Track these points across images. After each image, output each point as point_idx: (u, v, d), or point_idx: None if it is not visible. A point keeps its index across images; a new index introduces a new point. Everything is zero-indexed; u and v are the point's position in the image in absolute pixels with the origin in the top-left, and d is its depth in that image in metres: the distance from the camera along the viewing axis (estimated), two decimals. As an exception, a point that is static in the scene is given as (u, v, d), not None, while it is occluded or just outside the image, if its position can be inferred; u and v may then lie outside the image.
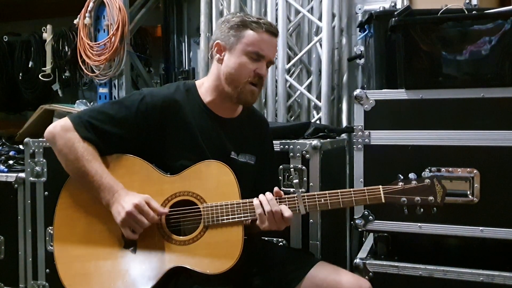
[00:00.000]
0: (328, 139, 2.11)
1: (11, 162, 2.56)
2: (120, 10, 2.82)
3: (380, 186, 1.48)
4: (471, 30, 1.71)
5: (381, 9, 1.99)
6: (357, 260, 1.82)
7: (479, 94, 1.70)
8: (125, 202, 1.46)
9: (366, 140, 1.81)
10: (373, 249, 1.96)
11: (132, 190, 1.51)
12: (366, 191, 1.48)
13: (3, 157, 2.63)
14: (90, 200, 1.54)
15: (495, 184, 1.69)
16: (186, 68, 3.59)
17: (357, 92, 1.81)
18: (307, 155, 1.89)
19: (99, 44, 2.88)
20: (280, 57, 2.67)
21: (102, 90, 3.00)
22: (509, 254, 1.75)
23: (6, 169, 2.48)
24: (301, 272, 1.60)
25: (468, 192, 1.71)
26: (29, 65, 3.61)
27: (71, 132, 1.52)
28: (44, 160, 2.26)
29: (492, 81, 1.70)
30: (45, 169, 2.27)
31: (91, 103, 2.89)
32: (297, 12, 2.95)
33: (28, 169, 2.29)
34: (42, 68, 3.43)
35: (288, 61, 2.82)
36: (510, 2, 2.16)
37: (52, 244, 2.08)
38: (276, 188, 1.52)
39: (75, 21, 2.97)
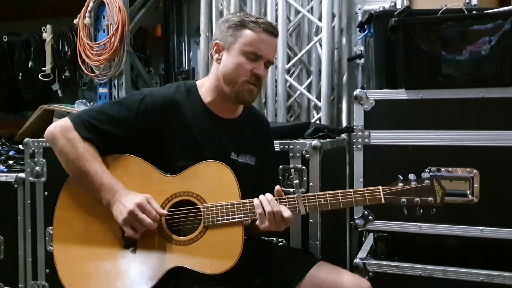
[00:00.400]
0: (328, 139, 2.11)
1: (11, 162, 2.56)
2: (120, 10, 2.82)
3: (380, 187, 1.48)
4: (471, 30, 1.71)
5: (381, 9, 1.99)
6: (357, 260, 1.82)
7: (479, 94, 1.70)
8: (126, 201, 1.46)
9: (366, 140, 1.81)
10: (373, 249, 1.96)
11: (132, 190, 1.51)
12: (366, 191, 1.48)
13: (3, 157, 2.63)
14: (90, 200, 1.54)
15: (495, 184, 1.69)
16: (186, 68, 3.60)
17: (357, 92, 1.81)
18: (307, 155, 1.89)
19: (99, 44, 2.88)
20: (280, 57, 2.67)
21: (102, 90, 3.01)
22: (509, 254, 1.75)
23: (6, 169, 2.47)
24: (301, 272, 1.60)
25: (468, 192, 1.71)
26: (29, 65, 3.61)
27: (71, 132, 1.52)
28: (44, 160, 2.26)
29: (492, 81, 1.70)
30: (45, 169, 2.27)
31: (91, 103, 2.89)
32: (297, 12, 2.95)
33: (28, 169, 2.29)
34: (42, 68, 3.43)
35: (288, 61, 2.83)
36: (510, 2, 2.16)
37: (51, 244, 2.08)
38: (277, 187, 1.52)
39: (75, 21, 2.98)
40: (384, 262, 1.79)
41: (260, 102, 2.83)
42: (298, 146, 1.90)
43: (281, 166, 1.91)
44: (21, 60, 3.70)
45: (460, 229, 1.73)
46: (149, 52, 3.66)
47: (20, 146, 2.67)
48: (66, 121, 1.54)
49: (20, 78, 3.69)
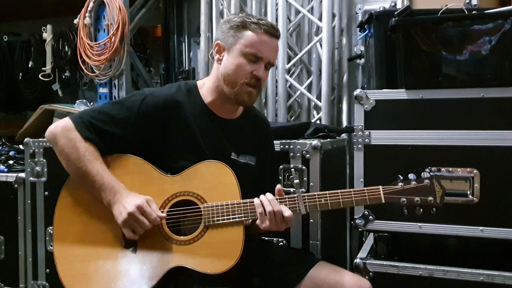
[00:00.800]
0: (328, 139, 2.11)
1: (11, 162, 2.56)
2: (120, 10, 2.82)
3: (380, 187, 1.48)
4: (471, 30, 1.71)
5: (381, 9, 1.99)
6: (357, 260, 1.82)
7: (479, 94, 1.70)
8: (127, 202, 1.46)
9: (366, 140, 1.81)
10: (373, 249, 1.96)
11: (133, 190, 1.51)
12: (366, 191, 1.48)
13: (3, 157, 2.63)
14: (90, 200, 1.54)
15: (495, 184, 1.69)
16: (186, 68, 3.60)
17: (357, 92, 1.81)
18: (307, 155, 1.89)
19: (99, 44, 2.88)
20: (280, 57, 2.67)
21: (102, 90, 3.01)
22: (509, 254, 1.75)
23: (6, 169, 2.47)
24: (301, 272, 1.60)
25: (468, 192, 1.71)
26: (29, 65, 3.62)
27: (72, 132, 1.52)
28: (44, 160, 2.26)
29: (492, 81, 1.70)
30: (45, 169, 2.27)
31: (91, 103, 2.89)
32: (297, 12, 2.95)
33: (28, 169, 2.29)
34: (42, 68, 3.43)
35: (288, 61, 2.83)
36: (510, 2, 2.16)
37: (52, 244, 2.07)
38: (278, 186, 1.52)
39: (75, 21, 2.98)
40: (385, 262, 1.79)
41: (260, 102, 2.83)
42: (298, 146, 1.90)
43: (281, 166, 1.91)
44: (22, 60, 3.70)
45: (460, 229, 1.73)
46: (149, 52, 3.66)
47: (21, 146, 2.67)
48: (67, 121, 1.54)
49: (20, 78, 3.69)
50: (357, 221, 1.82)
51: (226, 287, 1.48)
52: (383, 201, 1.47)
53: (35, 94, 3.69)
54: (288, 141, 1.94)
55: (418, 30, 1.74)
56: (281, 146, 1.92)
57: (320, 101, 2.70)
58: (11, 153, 2.69)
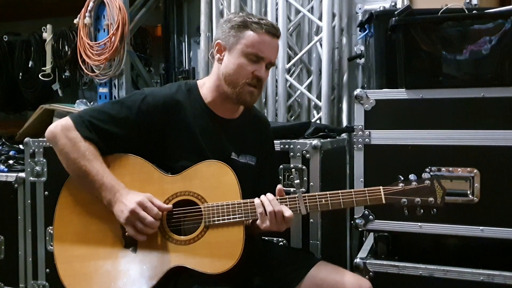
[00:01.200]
0: (329, 139, 2.11)
1: (11, 162, 2.56)
2: (120, 10, 2.82)
3: (381, 187, 1.48)
4: (471, 29, 1.71)
5: (381, 8, 1.98)
6: (357, 260, 1.82)
7: (479, 94, 1.70)
8: (127, 200, 1.46)
9: (366, 139, 1.81)
10: (373, 249, 1.96)
11: (133, 189, 1.51)
12: (366, 191, 1.48)
13: (3, 157, 2.63)
14: (91, 200, 1.54)
15: (495, 184, 1.69)
16: (186, 68, 3.59)
17: (358, 91, 1.81)
18: (308, 155, 1.89)
19: (99, 43, 2.88)
20: (281, 56, 2.67)
21: (102, 90, 3.00)
22: (510, 254, 1.75)
23: (6, 169, 2.47)
24: (301, 272, 1.60)
25: (468, 192, 1.71)
26: (29, 65, 3.61)
27: (72, 131, 1.52)
28: (44, 160, 2.26)
29: (492, 81, 1.70)
30: (45, 169, 2.27)
31: (91, 103, 2.89)
32: (297, 11, 2.95)
33: (28, 169, 2.29)
34: (42, 68, 3.43)
35: (288, 61, 2.82)
36: (510, 1, 2.15)
37: (52, 244, 2.08)
38: (279, 186, 1.52)
39: (75, 21, 2.97)
40: (385, 262, 1.79)
41: (261, 102, 2.83)
42: (298, 146, 1.90)
43: (281, 166, 1.91)
44: (21, 60, 3.70)
45: (461, 229, 1.73)
46: (149, 51, 3.65)
47: (20, 146, 2.67)
48: (67, 121, 1.54)
49: (20, 78, 3.68)
50: (357, 221, 1.82)
51: (226, 287, 1.48)
52: (384, 201, 1.47)
53: (35, 94, 3.68)
54: (288, 141, 1.94)
55: (418, 29, 1.74)
56: (281, 146, 1.92)
57: (320, 101, 2.70)
58: (11, 153, 2.69)
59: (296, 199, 1.49)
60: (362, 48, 2.69)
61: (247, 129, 1.71)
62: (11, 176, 2.38)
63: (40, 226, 2.28)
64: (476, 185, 1.70)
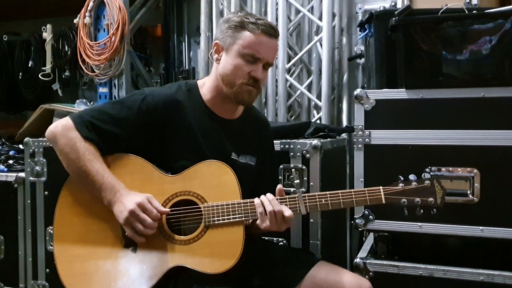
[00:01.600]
0: (329, 139, 2.11)
1: (11, 161, 2.55)
2: (120, 10, 2.82)
3: (381, 187, 1.48)
4: (471, 29, 1.71)
5: (381, 8, 1.98)
6: (357, 260, 1.82)
7: (479, 94, 1.70)
8: (127, 201, 1.46)
9: (366, 139, 1.81)
10: (373, 249, 1.96)
11: (133, 189, 1.51)
12: (366, 191, 1.48)
13: (3, 157, 2.63)
14: (91, 200, 1.54)
15: (495, 183, 1.69)
16: (186, 67, 3.59)
17: (358, 91, 1.81)
18: (308, 155, 1.89)
19: (99, 43, 2.88)
20: (280, 56, 2.67)
21: (102, 90, 3.00)
22: (510, 254, 1.75)
23: (6, 169, 2.47)
24: (301, 272, 1.60)
25: (468, 192, 1.71)
26: (29, 65, 3.61)
27: (72, 131, 1.52)
28: (44, 160, 2.26)
29: (492, 81, 1.70)
30: (45, 169, 2.26)
31: (91, 103, 2.89)
32: (298, 11, 2.95)
33: (28, 169, 2.29)
34: (42, 68, 3.43)
35: (289, 61, 2.82)
36: (510, 1, 2.15)
37: (52, 243, 2.08)
38: (279, 186, 1.52)
39: (75, 21, 2.97)
40: (385, 262, 1.79)
41: (260, 101, 2.83)
42: (298, 146, 1.90)
43: (281, 166, 1.91)
44: (21, 60, 3.70)
45: (461, 229, 1.73)
46: (149, 51, 3.65)
47: (20, 146, 2.67)
48: (67, 121, 1.54)
49: (20, 77, 3.68)
50: (357, 221, 1.82)
51: (226, 287, 1.48)
52: (384, 201, 1.47)
53: (35, 93, 3.68)
54: (288, 140, 1.94)
55: (418, 29, 1.74)
56: (281, 146, 1.92)
57: (320, 101, 2.70)
58: (11, 153, 2.69)
59: (296, 199, 1.49)
60: (362, 48, 2.69)
61: (247, 129, 1.71)
62: (11, 176, 2.38)
63: (40, 226, 2.28)
64: (476, 185, 1.70)
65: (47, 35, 3.36)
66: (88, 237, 1.54)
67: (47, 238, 2.26)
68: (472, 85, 1.71)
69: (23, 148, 2.39)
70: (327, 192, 1.50)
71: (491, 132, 1.69)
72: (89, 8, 2.90)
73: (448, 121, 1.73)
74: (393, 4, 2.29)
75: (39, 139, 2.28)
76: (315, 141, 1.89)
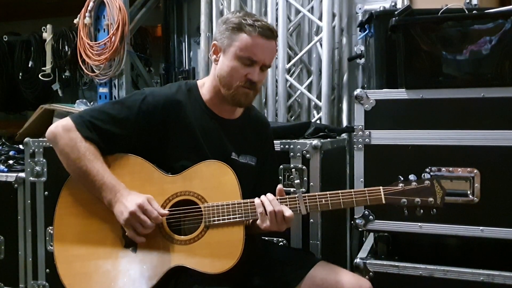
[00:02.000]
0: (329, 139, 2.11)
1: (11, 162, 2.55)
2: (120, 10, 2.82)
3: (381, 187, 1.48)
4: (471, 29, 1.71)
5: (381, 8, 1.98)
6: (357, 260, 1.82)
7: (479, 94, 1.70)
8: (128, 201, 1.46)
9: (366, 140, 1.81)
10: (373, 249, 1.96)
11: (133, 189, 1.51)
12: (366, 191, 1.48)
13: (3, 157, 2.63)
14: (91, 200, 1.54)
15: (495, 184, 1.69)
16: (186, 68, 3.60)
17: (358, 91, 1.81)
18: (308, 155, 1.89)
19: (99, 43, 2.88)
20: (280, 57, 2.67)
21: (102, 90, 3.00)
22: (510, 254, 1.75)
23: (6, 169, 2.47)
24: (301, 272, 1.60)
25: (469, 192, 1.71)
26: (29, 65, 3.62)
27: (72, 132, 1.52)
28: (44, 160, 2.26)
29: (493, 81, 1.70)
30: (45, 169, 2.27)
31: (91, 103, 2.89)
32: (297, 11, 2.95)
33: (28, 169, 2.29)
34: (42, 68, 3.43)
35: (288, 61, 2.82)
36: (510, 1, 2.16)
37: (52, 244, 2.07)
38: (279, 186, 1.52)
39: (75, 21, 2.97)
40: (385, 262, 1.79)
41: (260, 102, 2.83)
42: (298, 146, 1.90)
43: (281, 166, 1.91)
44: (21, 60, 3.70)
45: (461, 229, 1.73)
46: (149, 52, 3.66)
47: (20, 146, 2.67)
48: (67, 121, 1.54)
49: (20, 78, 3.69)
50: (357, 221, 1.82)
51: (226, 287, 1.48)
52: (384, 201, 1.47)
53: (35, 94, 3.69)
54: (288, 141, 1.94)
55: (418, 29, 1.74)
56: (281, 146, 1.92)
57: (320, 101, 2.70)
58: (11, 153, 2.69)
59: (296, 199, 1.49)
60: (362, 48, 2.69)
61: (247, 129, 1.71)
62: (11, 176, 2.38)
63: (40, 226, 2.28)
64: (476, 185, 1.70)
65: (47, 35, 3.36)
66: (88, 237, 1.54)
67: (47, 238, 2.26)
68: (472, 85, 1.71)
69: (23, 148, 2.39)
70: (327, 192, 1.50)
71: (491, 132, 1.69)
72: (89, 8, 2.90)
73: (448, 121, 1.73)
74: (393, 4, 2.29)
75: (39, 139, 2.28)
76: (315, 141, 1.89)
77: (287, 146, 1.92)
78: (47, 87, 3.55)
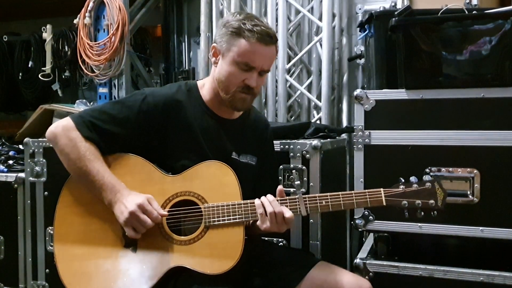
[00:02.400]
0: (329, 139, 2.11)
1: (11, 162, 2.55)
2: (120, 10, 2.82)
3: (381, 189, 1.47)
4: (471, 30, 1.71)
5: (381, 9, 1.98)
6: (357, 260, 1.82)
7: (479, 94, 1.70)
8: (128, 201, 1.46)
9: (366, 140, 1.81)
10: (373, 249, 1.96)
11: (134, 189, 1.51)
12: (367, 193, 1.48)
13: (3, 157, 2.63)
14: (91, 199, 1.54)
15: (495, 184, 1.69)
16: (186, 68, 3.59)
17: (358, 92, 1.81)
18: (308, 155, 1.89)
19: (99, 44, 2.88)
20: (280, 57, 2.67)
21: (102, 90, 3.01)
22: (509, 254, 1.75)
23: (6, 169, 2.47)
24: (301, 272, 1.60)
25: (468, 192, 1.71)
26: (29, 65, 3.62)
27: (73, 131, 1.52)
28: (44, 160, 2.26)
29: (492, 81, 1.70)
30: (45, 169, 2.26)
31: (91, 103, 2.89)
32: (297, 12, 2.95)
33: (28, 169, 2.29)
34: (42, 68, 3.43)
35: (288, 61, 2.83)
36: (510, 2, 2.16)
37: (52, 244, 2.08)
38: (279, 187, 1.52)
39: (75, 21, 2.98)
40: (385, 262, 1.79)
41: (260, 102, 2.83)
42: (298, 146, 1.90)
43: (281, 166, 1.91)
44: (21, 60, 3.70)
45: (461, 229, 1.73)
46: (149, 52, 3.66)
47: (20, 146, 2.66)
48: (67, 121, 1.54)
49: (20, 78, 3.69)
50: (357, 221, 1.82)
51: (226, 287, 1.48)
52: (384, 203, 1.46)
53: (35, 94, 3.69)
54: (288, 141, 1.94)
55: (418, 30, 1.74)
56: (281, 146, 1.92)
57: (320, 101, 2.70)
58: (11, 153, 2.69)
59: (297, 200, 1.49)
60: (362, 48, 2.69)
61: (247, 130, 1.71)
62: (11, 176, 2.38)
63: (40, 226, 2.28)
64: (476, 185, 1.70)
65: (47, 35, 3.36)
66: (88, 236, 1.54)
67: (47, 238, 2.26)
68: (472, 86, 1.71)
69: (23, 148, 2.38)
70: (328, 194, 1.49)
71: (491, 132, 1.69)
72: (89, 8, 2.91)
73: (448, 122, 1.73)
74: (393, 4, 2.29)
75: (39, 139, 2.28)
76: (315, 142, 1.89)
77: (287, 146, 1.92)
78: (47, 87, 3.55)
